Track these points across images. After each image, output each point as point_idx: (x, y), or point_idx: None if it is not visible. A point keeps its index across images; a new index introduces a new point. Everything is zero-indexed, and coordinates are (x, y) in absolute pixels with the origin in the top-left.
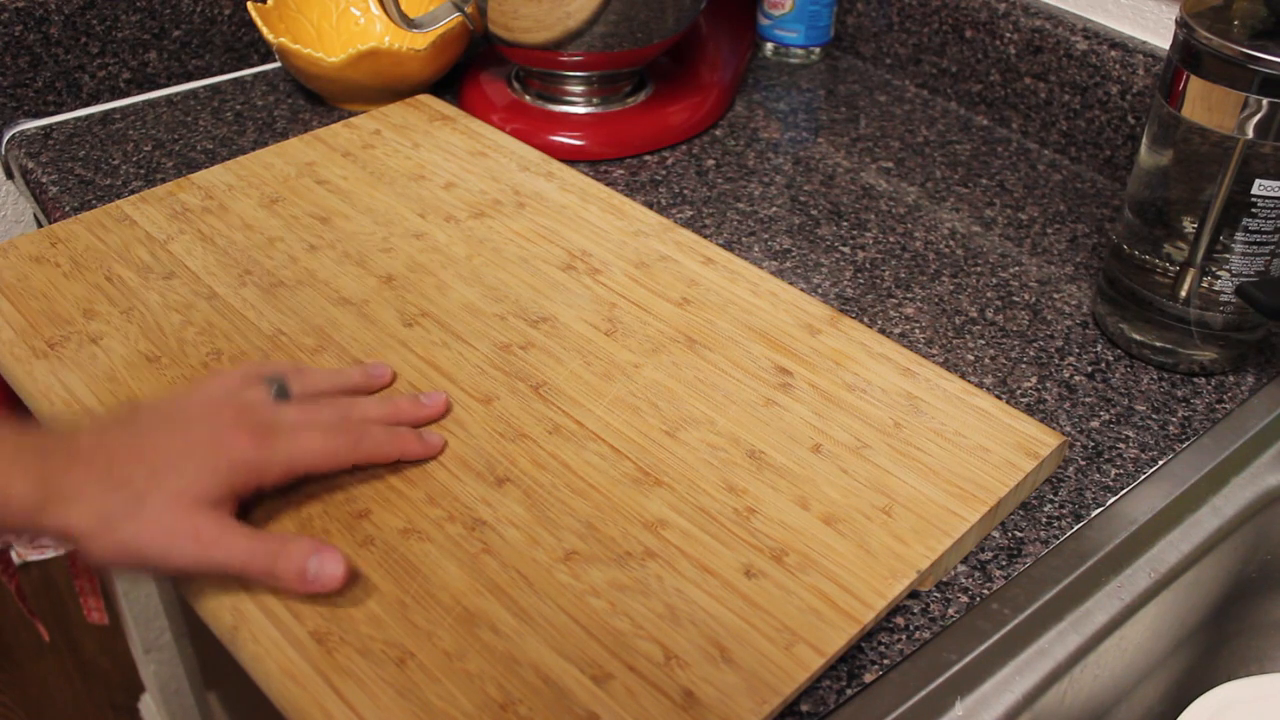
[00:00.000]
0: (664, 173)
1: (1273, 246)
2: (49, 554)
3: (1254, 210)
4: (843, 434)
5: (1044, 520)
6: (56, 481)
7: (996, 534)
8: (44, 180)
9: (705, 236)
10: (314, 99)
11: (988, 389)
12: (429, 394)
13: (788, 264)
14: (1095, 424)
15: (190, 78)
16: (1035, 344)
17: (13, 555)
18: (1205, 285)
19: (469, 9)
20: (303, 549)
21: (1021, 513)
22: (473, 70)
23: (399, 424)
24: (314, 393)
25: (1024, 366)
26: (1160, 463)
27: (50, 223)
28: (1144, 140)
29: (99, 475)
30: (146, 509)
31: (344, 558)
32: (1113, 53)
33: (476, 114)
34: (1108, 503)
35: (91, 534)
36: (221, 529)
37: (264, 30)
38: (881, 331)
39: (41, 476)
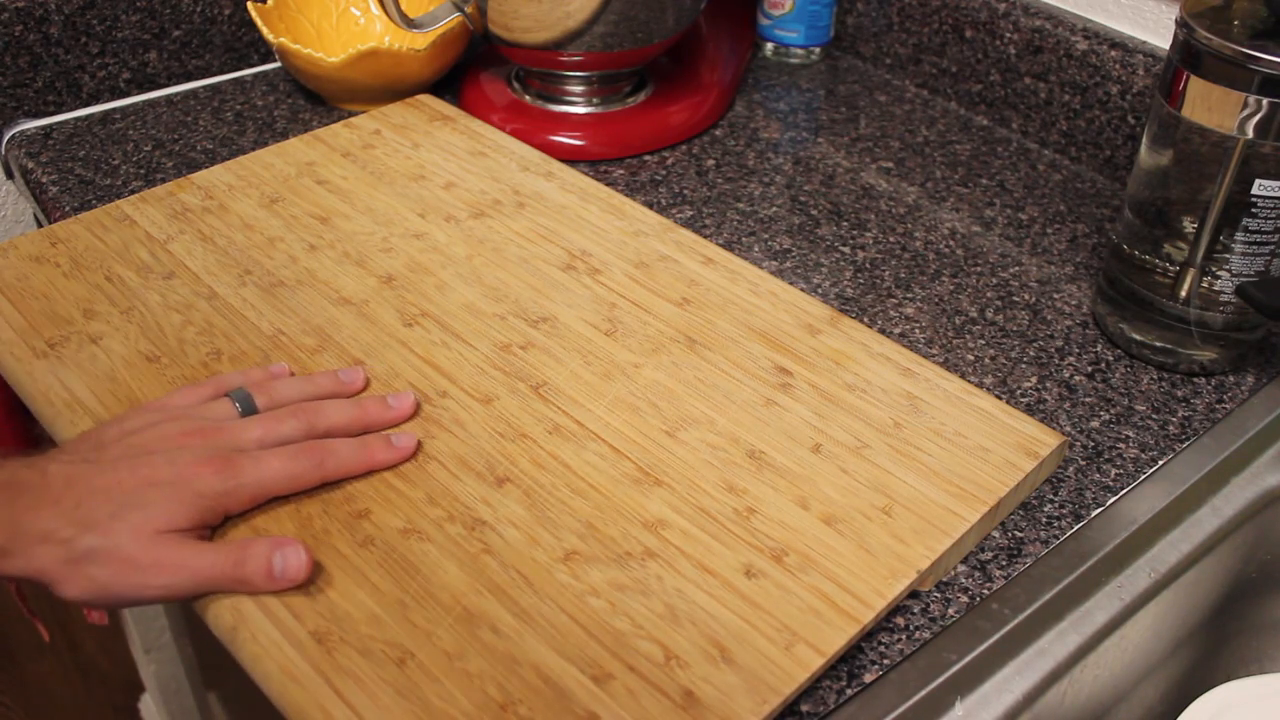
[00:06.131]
0: (664, 173)
1: (1273, 246)
2: None
3: (1254, 210)
4: (843, 434)
5: (1044, 520)
6: (25, 524)
7: (996, 534)
8: (44, 180)
9: (705, 236)
10: (314, 99)
11: (988, 389)
12: (396, 395)
13: (788, 264)
14: (1095, 424)
15: (190, 78)
16: (1035, 344)
17: None
18: (1205, 285)
19: (469, 9)
20: (263, 549)
21: (1021, 513)
22: (473, 70)
23: (367, 429)
24: (280, 403)
25: (1024, 366)
26: (1160, 463)
27: (50, 223)
28: (1144, 140)
29: (66, 515)
30: (111, 547)
31: (305, 547)
32: (1113, 53)
33: (476, 114)
34: (1108, 503)
35: (61, 577)
36: (183, 552)
37: (264, 30)
38: (881, 331)
39: (10, 519)
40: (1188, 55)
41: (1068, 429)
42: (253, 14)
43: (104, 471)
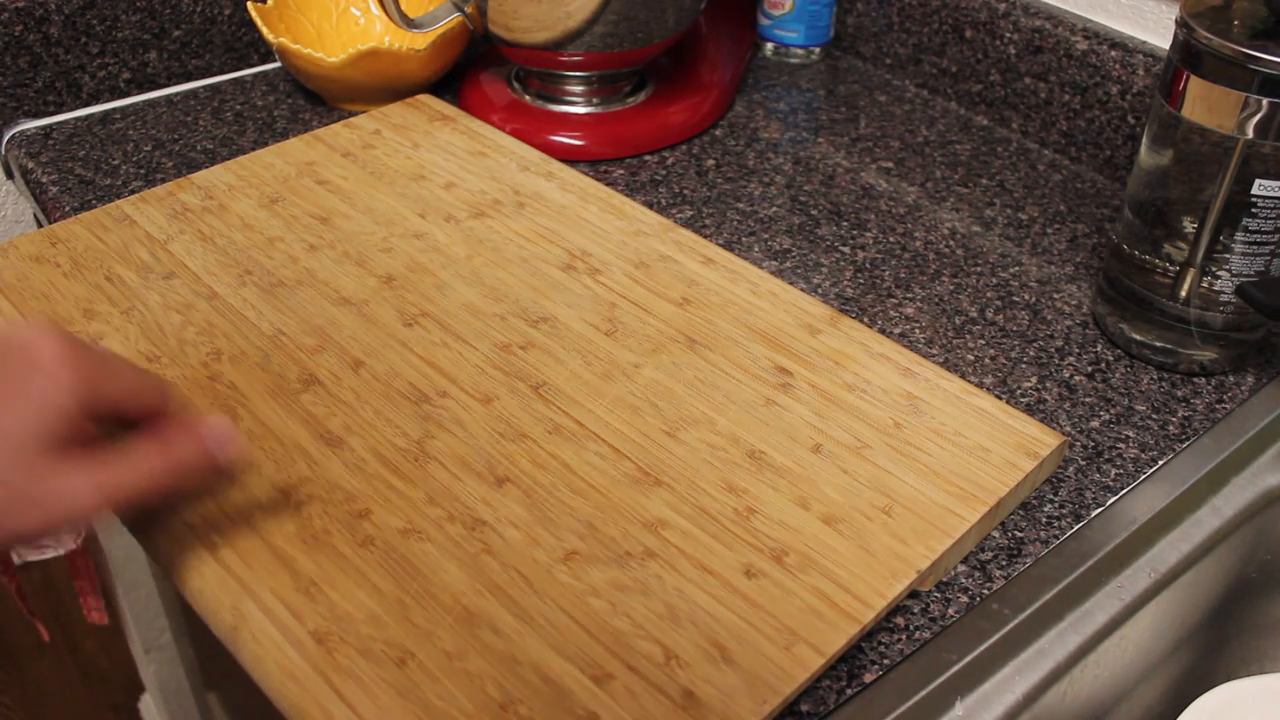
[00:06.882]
0: (664, 173)
1: (1273, 246)
2: (49, 554)
3: (1254, 210)
4: (843, 434)
5: (1044, 520)
6: None
7: (996, 534)
8: (44, 180)
9: (705, 236)
10: (314, 99)
11: (988, 389)
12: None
13: (788, 264)
14: (1095, 424)
15: (190, 78)
16: (1035, 344)
17: (13, 556)
18: (1205, 285)
19: (469, 9)
20: (194, 437)
21: (1021, 513)
22: (473, 70)
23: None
24: None
25: (1024, 366)
26: (1160, 463)
27: (50, 223)
28: (1144, 140)
29: None
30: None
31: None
32: (1113, 53)
33: (476, 114)
34: (1108, 503)
35: None
36: (90, 467)
37: (264, 30)
38: (881, 331)
39: None
40: (1188, 55)
41: (1068, 429)
42: (253, 14)
43: None
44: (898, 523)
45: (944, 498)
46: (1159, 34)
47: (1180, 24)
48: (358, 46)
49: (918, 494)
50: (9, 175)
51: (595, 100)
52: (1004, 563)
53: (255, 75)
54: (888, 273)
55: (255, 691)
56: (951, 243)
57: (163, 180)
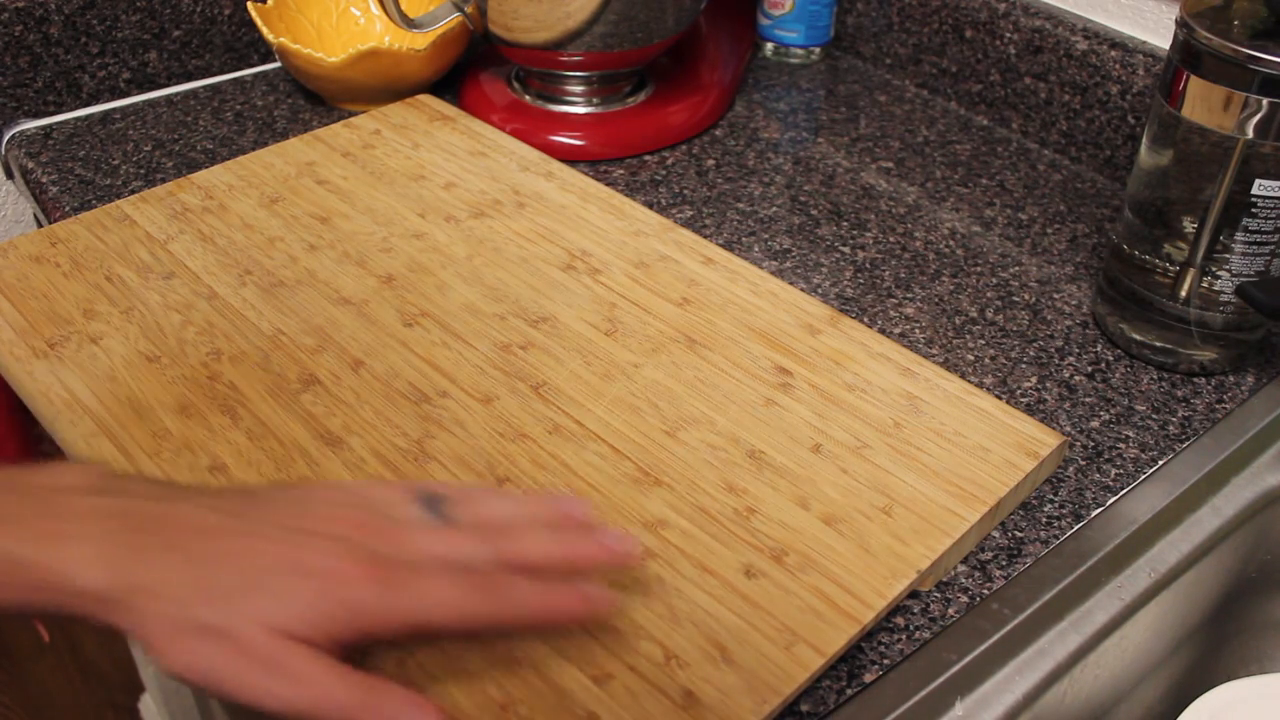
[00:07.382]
0: (664, 173)
1: (1273, 246)
2: None
3: (1254, 210)
4: (843, 434)
5: (1044, 520)
6: (135, 571)
7: (996, 534)
8: (44, 180)
9: (705, 236)
10: (314, 99)
11: (988, 389)
12: (612, 533)
13: (788, 264)
14: (1095, 424)
15: (190, 78)
16: (1035, 344)
17: None
18: (1205, 285)
19: (469, 9)
20: (397, 707)
21: (1021, 513)
22: (473, 70)
23: (569, 563)
24: (479, 522)
25: (1024, 366)
26: (1160, 463)
27: (50, 223)
28: (1144, 140)
29: (185, 570)
30: (229, 628)
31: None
32: (1113, 53)
33: (476, 114)
34: (1108, 503)
35: (163, 645)
36: (308, 666)
37: (264, 30)
38: (881, 331)
39: (119, 562)
40: (1188, 55)
41: (1068, 429)
42: (253, 14)
43: (245, 531)
44: (898, 523)
45: (944, 498)
46: (1159, 34)
47: (1180, 24)
48: (358, 46)
49: (918, 494)
50: (9, 175)
51: (595, 100)
52: (1004, 563)
53: (255, 75)
54: (888, 273)
55: None
56: (951, 243)
57: (163, 180)
